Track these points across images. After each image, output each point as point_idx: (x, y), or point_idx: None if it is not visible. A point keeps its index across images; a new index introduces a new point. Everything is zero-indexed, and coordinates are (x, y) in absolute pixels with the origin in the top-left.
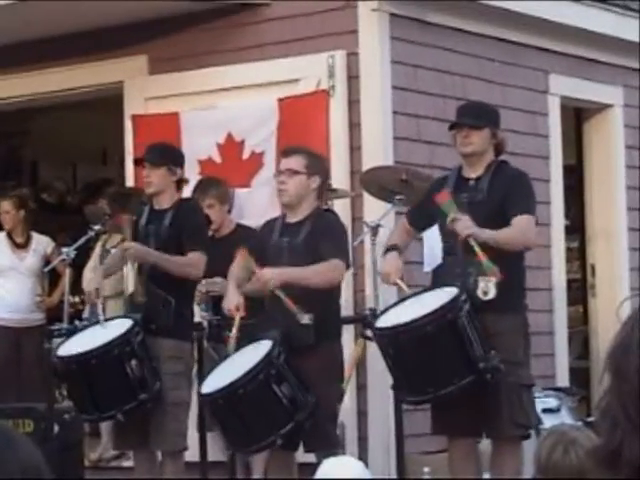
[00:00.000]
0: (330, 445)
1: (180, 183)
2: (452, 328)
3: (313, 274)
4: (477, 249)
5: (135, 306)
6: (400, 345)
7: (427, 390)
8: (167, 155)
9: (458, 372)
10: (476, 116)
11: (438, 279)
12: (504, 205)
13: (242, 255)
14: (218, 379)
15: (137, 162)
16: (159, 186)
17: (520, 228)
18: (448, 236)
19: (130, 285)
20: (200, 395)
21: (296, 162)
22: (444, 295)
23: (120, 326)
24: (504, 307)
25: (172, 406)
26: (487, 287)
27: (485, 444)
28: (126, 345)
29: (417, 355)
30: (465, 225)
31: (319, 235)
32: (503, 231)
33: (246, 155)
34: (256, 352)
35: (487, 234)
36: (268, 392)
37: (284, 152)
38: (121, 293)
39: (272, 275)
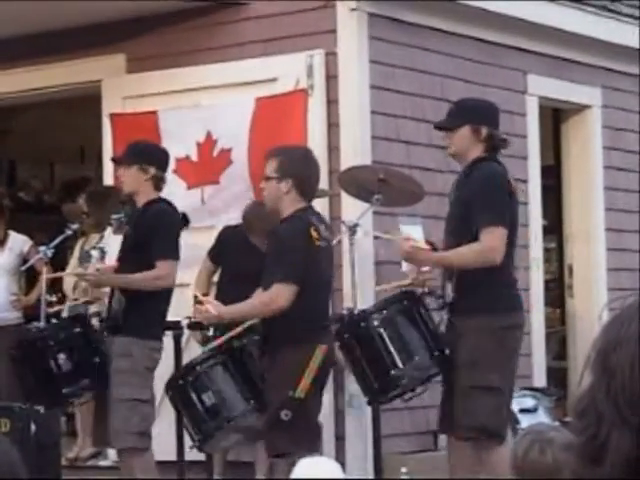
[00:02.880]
0: (273, 450)
1: (156, 181)
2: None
3: (258, 309)
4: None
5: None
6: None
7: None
8: (139, 154)
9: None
10: (452, 116)
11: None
12: (469, 206)
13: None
14: None
15: (115, 161)
16: (131, 185)
17: (485, 244)
18: None
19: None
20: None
21: (269, 167)
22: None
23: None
24: (465, 309)
25: (118, 403)
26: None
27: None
28: (48, 339)
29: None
30: (405, 251)
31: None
32: (461, 254)
33: (216, 152)
34: None
35: (445, 261)
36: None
37: (264, 157)
38: None
39: (219, 314)
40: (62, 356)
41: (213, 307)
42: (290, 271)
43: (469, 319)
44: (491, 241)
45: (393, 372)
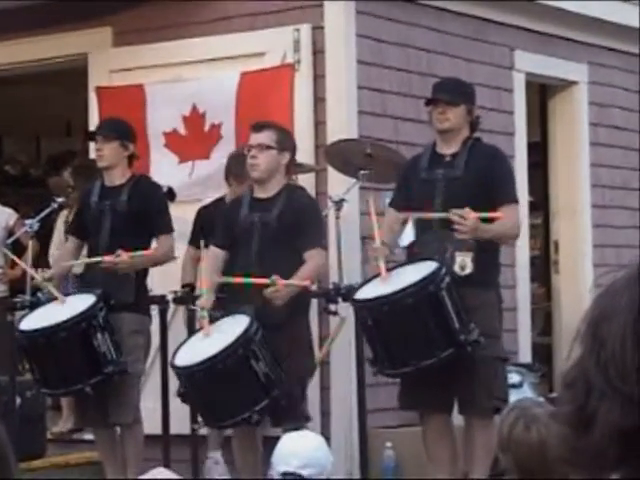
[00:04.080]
0: (299, 419)
1: (132, 159)
2: (433, 300)
3: (313, 275)
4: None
5: (89, 284)
6: (380, 317)
7: (408, 362)
8: (120, 130)
9: (439, 345)
10: (453, 92)
11: (415, 255)
12: (486, 184)
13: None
14: (193, 352)
15: (90, 136)
16: (111, 160)
17: (512, 220)
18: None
19: (78, 265)
20: (176, 368)
21: (267, 137)
22: (423, 268)
23: (82, 301)
24: (481, 282)
25: (134, 378)
26: (464, 262)
27: (459, 418)
28: (92, 318)
29: (398, 327)
30: (472, 227)
31: (295, 215)
32: (501, 225)
33: (207, 127)
34: (232, 326)
35: (490, 233)
36: (246, 368)
37: (254, 127)
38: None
39: (286, 296)
40: (100, 336)
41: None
42: (324, 238)
43: (485, 292)
44: (516, 217)
45: (462, 337)
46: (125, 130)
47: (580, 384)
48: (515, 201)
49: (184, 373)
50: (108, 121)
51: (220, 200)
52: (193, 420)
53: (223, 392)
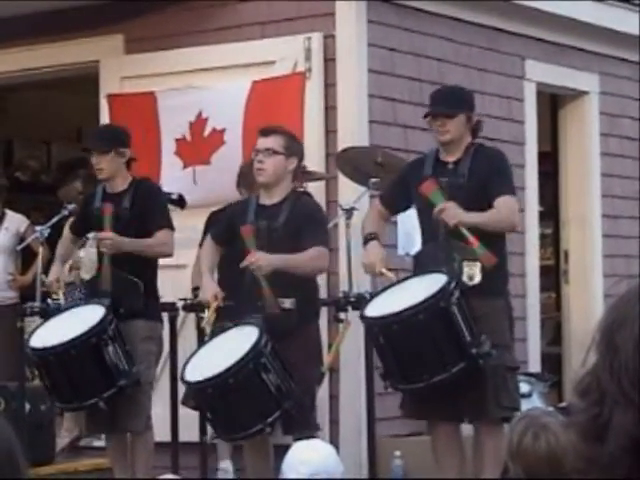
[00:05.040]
0: (309, 428)
1: (129, 162)
2: (444, 315)
3: (305, 262)
4: (468, 235)
5: (97, 292)
6: (392, 334)
7: (421, 378)
8: (112, 139)
9: (451, 359)
10: (450, 103)
11: (421, 265)
12: (486, 187)
13: (246, 232)
14: (203, 365)
15: (86, 150)
16: (110, 171)
17: (507, 209)
18: (429, 221)
19: (85, 272)
20: (188, 383)
21: (275, 142)
22: (432, 282)
23: (91, 313)
24: (489, 291)
25: (146, 385)
26: (472, 272)
27: (468, 428)
28: (102, 333)
29: (410, 343)
30: (453, 214)
31: (300, 220)
32: (491, 213)
33: (207, 132)
34: (241, 339)
35: (476, 219)
36: (257, 381)
37: (262, 131)
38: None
39: (267, 262)
40: (111, 349)
41: (263, 257)
42: (328, 241)
43: (494, 301)
44: (513, 207)
45: (474, 350)
46: (117, 137)
47: (593, 392)
48: (511, 193)
49: (195, 388)
50: (97, 131)
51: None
52: (202, 431)
53: (235, 406)
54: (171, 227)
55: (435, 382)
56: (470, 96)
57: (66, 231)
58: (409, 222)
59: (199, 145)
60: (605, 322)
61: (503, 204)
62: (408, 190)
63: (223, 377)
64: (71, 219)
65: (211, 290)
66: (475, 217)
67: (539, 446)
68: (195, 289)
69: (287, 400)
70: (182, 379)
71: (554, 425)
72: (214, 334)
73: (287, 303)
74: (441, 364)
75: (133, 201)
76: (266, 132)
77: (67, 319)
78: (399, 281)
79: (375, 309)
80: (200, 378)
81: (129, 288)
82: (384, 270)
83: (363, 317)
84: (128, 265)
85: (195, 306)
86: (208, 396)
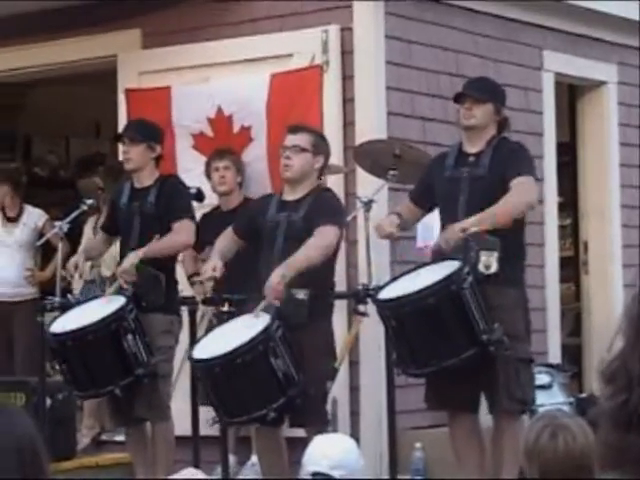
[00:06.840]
0: (319, 422)
1: (158, 160)
2: (455, 300)
3: (312, 251)
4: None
5: (121, 287)
6: (403, 317)
7: (430, 362)
8: (147, 132)
9: (461, 344)
10: (481, 90)
11: (439, 255)
12: (505, 177)
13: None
14: (212, 346)
15: (117, 138)
16: (138, 163)
17: (520, 188)
18: (448, 215)
19: (106, 268)
20: (195, 360)
21: (303, 139)
22: (446, 268)
23: (113, 302)
24: (505, 281)
25: (166, 378)
26: (489, 261)
27: (488, 419)
28: (122, 320)
29: (420, 327)
30: (451, 231)
31: (317, 211)
32: (502, 201)
33: (236, 129)
34: (253, 323)
35: (488, 221)
36: (265, 364)
37: (291, 129)
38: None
39: (280, 278)
40: (130, 338)
41: (276, 276)
42: (338, 220)
43: (509, 291)
44: (528, 186)
45: (485, 337)
46: (152, 132)
47: (621, 378)
48: (527, 174)
49: (202, 367)
50: (134, 123)
51: (217, 209)
52: (222, 429)
53: (239, 387)
54: (190, 217)
55: (444, 367)
56: (502, 91)
57: (99, 236)
58: (431, 216)
59: (229, 142)
60: (633, 309)
61: (516, 184)
62: (433, 185)
63: (231, 356)
64: (92, 230)
65: (212, 262)
66: (476, 217)
67: (556, 445)
68: (191, 276)
69: (293, 388)
70: (189, 358)
71: (572, 425)
72: (220, 320)
73: (300, 294)
74: (451, 349)
75: (159, 196)
76: (294, 129)
77: (88, 308)
78: (414, 268)
79: (388, 293)
80: (207, 356)
81: (152, 281)
82: (394, 230)
83: (375, 300)
84: (150, 259)
85: (214, 300)
86: (214, 375)
